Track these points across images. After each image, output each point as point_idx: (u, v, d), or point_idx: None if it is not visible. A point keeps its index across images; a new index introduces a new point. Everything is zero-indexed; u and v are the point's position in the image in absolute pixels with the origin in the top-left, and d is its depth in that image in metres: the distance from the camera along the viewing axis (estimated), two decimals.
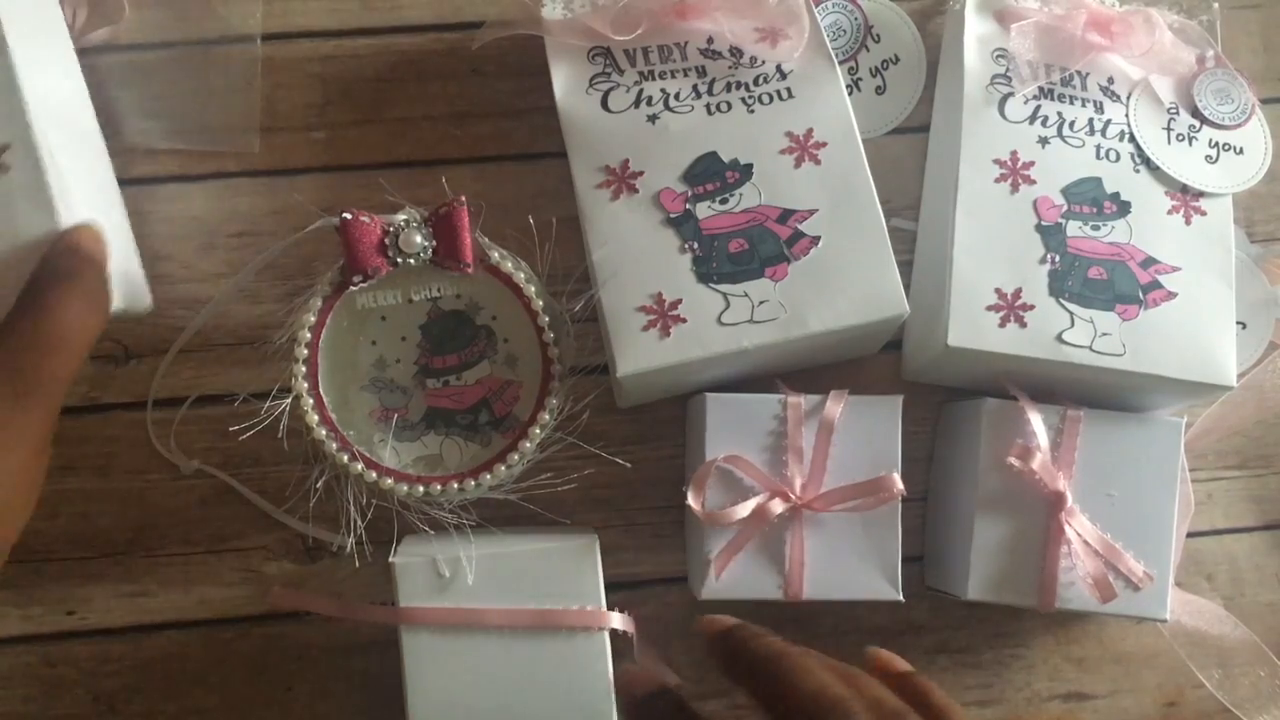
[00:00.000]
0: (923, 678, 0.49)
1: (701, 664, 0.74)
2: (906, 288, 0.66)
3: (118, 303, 0.64)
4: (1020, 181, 0.69)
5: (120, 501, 0.73)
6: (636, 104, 0.69)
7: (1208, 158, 0.71)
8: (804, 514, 0.66)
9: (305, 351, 0.66)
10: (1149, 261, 0.68)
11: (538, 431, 0.67)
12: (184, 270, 0.74)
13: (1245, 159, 0.71)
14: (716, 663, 0.52)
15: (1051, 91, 0.71)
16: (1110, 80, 0.72)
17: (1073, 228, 0.68)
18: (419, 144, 0.76)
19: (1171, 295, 0.67)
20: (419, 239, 0.66)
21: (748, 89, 0.69)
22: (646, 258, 0.66)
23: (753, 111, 0.69)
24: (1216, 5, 0.74)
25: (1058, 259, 0.68)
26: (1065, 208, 0.69)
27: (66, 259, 0.58)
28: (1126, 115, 0.72)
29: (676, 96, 0.69)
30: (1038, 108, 0.71)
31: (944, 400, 0.75)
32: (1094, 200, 0.69)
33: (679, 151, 0.68)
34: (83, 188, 0.64)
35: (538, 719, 0.63)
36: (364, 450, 0.67)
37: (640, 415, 0.74)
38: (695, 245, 0.66)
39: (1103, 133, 0.71)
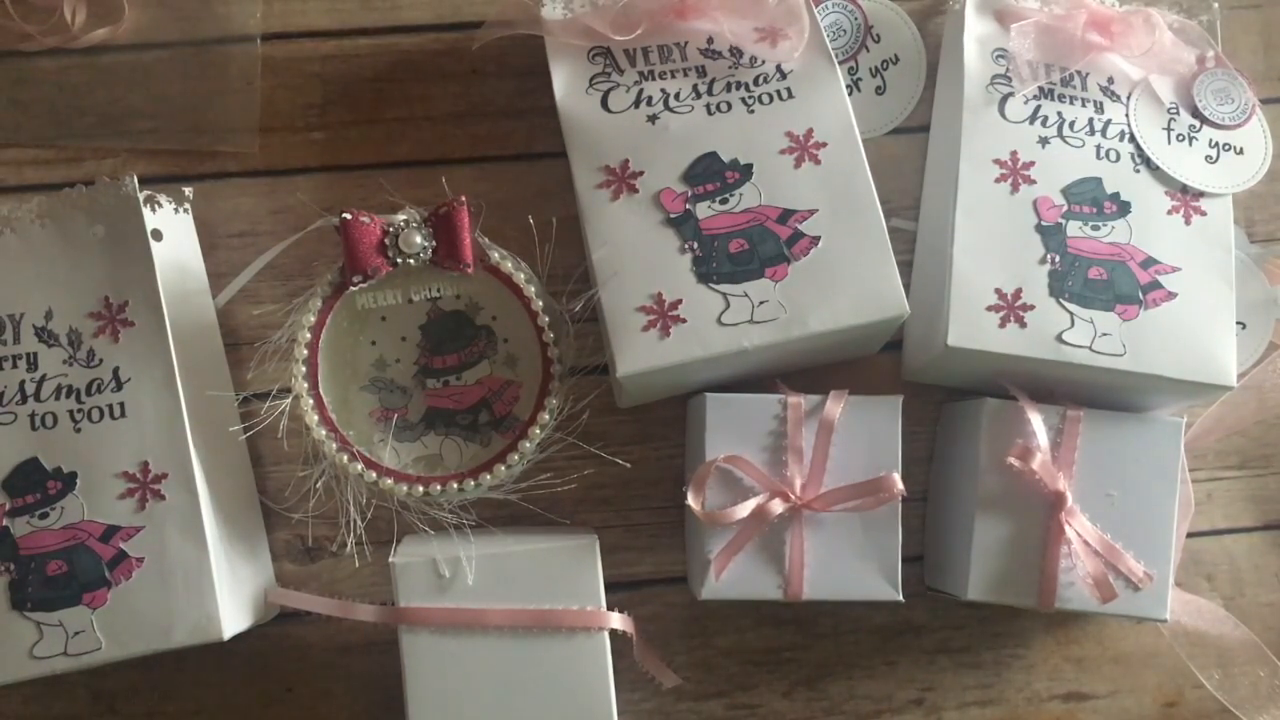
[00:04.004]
0: None
1: (701, 664, 0.74)
2: (906, 288, 0.66)
3: (248, 622, 0.67)
4: (1020, 181, 0.69)
5: None
6: (636, 104, 0.69)
7: (1208, 158, 0.71)
8: (804, 514, 0.66)
9: (305, 351, 0.66)
10: (1149, 261, 0.68)
11: (538, 431, 0.67)
12: None
13: (1245, 159, 0.71)
14: None
15: (1051, 91, 0.71)
16: (1110, 80, 0.72)
17: (1073, 228, 0.68)
18: (419, 144, 0.76)
19: (1171, 295, 0.67)
20: (419, 239, 0.66)
21: (748, 89, 0.69)
22: (646, 258, 0.66)
23: (753, 111, 0.69)
24: (1216, 5, 0.74)
25: (1058, 259, 0.68)
26: (1065, 208, 0.69)
27: None
28: (1126, 115, 0.72)
29: (676, 96, 0.69)
30: (1038, 108, 0.71)
31: (944, 400, 0.75)
32: (1094, 200, 0.69)
33: (679, 151, 0.68)
34: (228, 517, 0.67)
35: (538, 719, 0.63)
36: (364, 450, 0.67)
37: (640, 415, 0.74)
38: (695, 245, 0.66)
39: (1103, 133, 0.71)
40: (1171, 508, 0.66)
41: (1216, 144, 0.71)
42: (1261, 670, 0.70)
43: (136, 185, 0.66)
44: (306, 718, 0.73)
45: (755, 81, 0.70)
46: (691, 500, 0.66)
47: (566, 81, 0.70)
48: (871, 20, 0.77)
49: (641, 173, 0.67)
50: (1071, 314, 0.66)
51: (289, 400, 0.66)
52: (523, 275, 0.67)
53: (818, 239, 0.66)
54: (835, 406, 0.66)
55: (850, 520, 0.66)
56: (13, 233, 0.66)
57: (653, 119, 0.69)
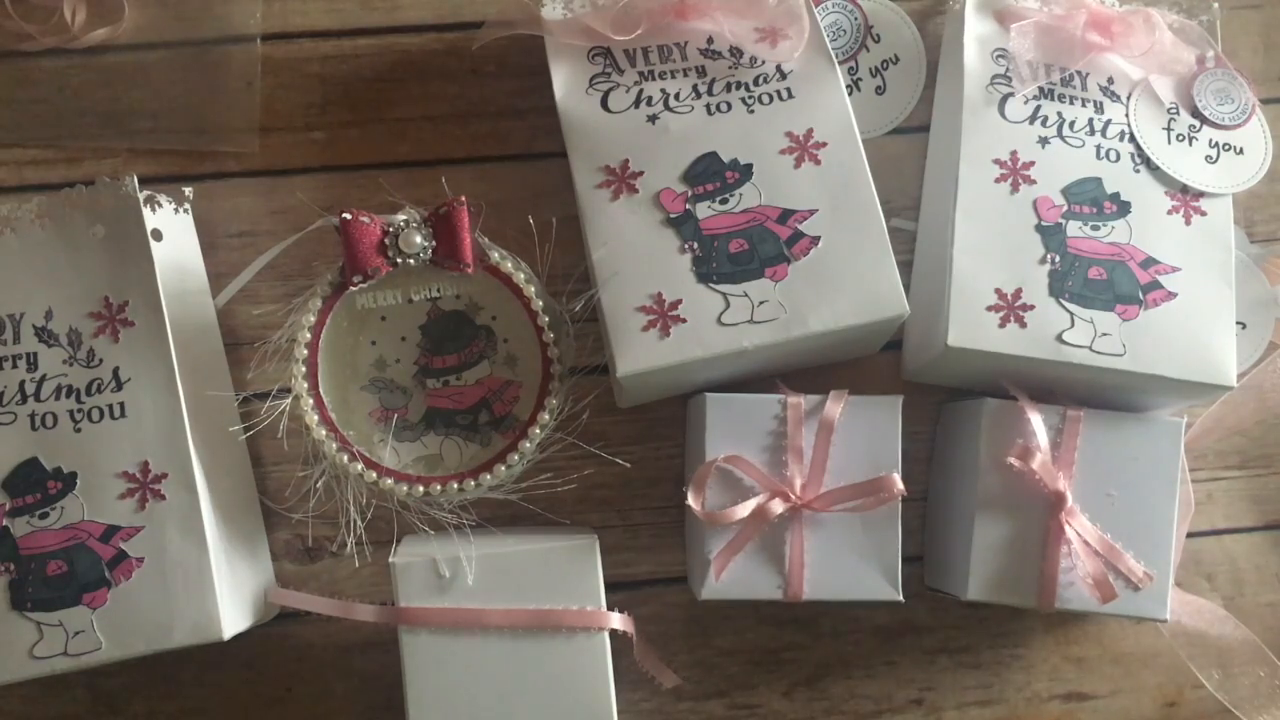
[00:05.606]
0: None
1: (701, 664, 0.74)
2: (906, 288, 0.66)
3: (248, 622, 0.67)
4: (1020, 181, 0.69)
5: None
6: (636, 104, 0.69)
7: (1208, 158, 0.71)
8: (804, 514, 0.66)
9: (305, 351, 0.66)
10: (1149, 261, 0.68)
11: (538, 431, 0.67)
12: None
13: (1245, 159, 0.71)
14: None
15: (1051, 91, 0.71)
16: (1110, 80, 0.72)
17: (1073, 228, 0.68)
18: (419, 144, 0.76)
19: (1171, 295, 0.67)
20: (419, 239, 0.66)
21: (748, 89, 0.69)
22: (646, 258, 0.66)
23: (753, 111, 0.69)
24: (1216, 5, 0.74)
25: (1058, 259, 0.68)
26: (1065, 208, 0.69)
27: None
28: (1126, 115, 0.72)
29: (676, 96, 0.69)
30: (1038, 108, 0.71)
31: (944, 400, 0.75)
32: (1094, 200, 0.69)
33: (679, 151, 0.68)
34: (228, 517, 0.67)
35: (538, 719, 0.63)
36: (364, 450, 0.67)
37: (640, 415, 0.74)
38: (695, 245, 0.66)
39: (1103, 133, 0.71)
40: (1171, 508, 0.66)
41: (1216, 144, 0.71)
42: (1261, 670, 0.70)
43: (136, 185, 0.66)
44: (306, 718, 0.73)
45: (755, 81, 0.70)
46: (691, 500, 0.66)
47: (566, 81, 0.70)
48: (871, 20, 0.77)
49: (641, 173, 0.67)
50: (1071, 314, 0.66)
51: (289, 400, 0.66)
52: (523, 275, 0.67)
53: (818, 239, 0.66)
54: (835, 406, 0.66)
55: (850, 520, 0.66)
56: (13, 233, 0.66)
57: (653, 119, 0.69)
